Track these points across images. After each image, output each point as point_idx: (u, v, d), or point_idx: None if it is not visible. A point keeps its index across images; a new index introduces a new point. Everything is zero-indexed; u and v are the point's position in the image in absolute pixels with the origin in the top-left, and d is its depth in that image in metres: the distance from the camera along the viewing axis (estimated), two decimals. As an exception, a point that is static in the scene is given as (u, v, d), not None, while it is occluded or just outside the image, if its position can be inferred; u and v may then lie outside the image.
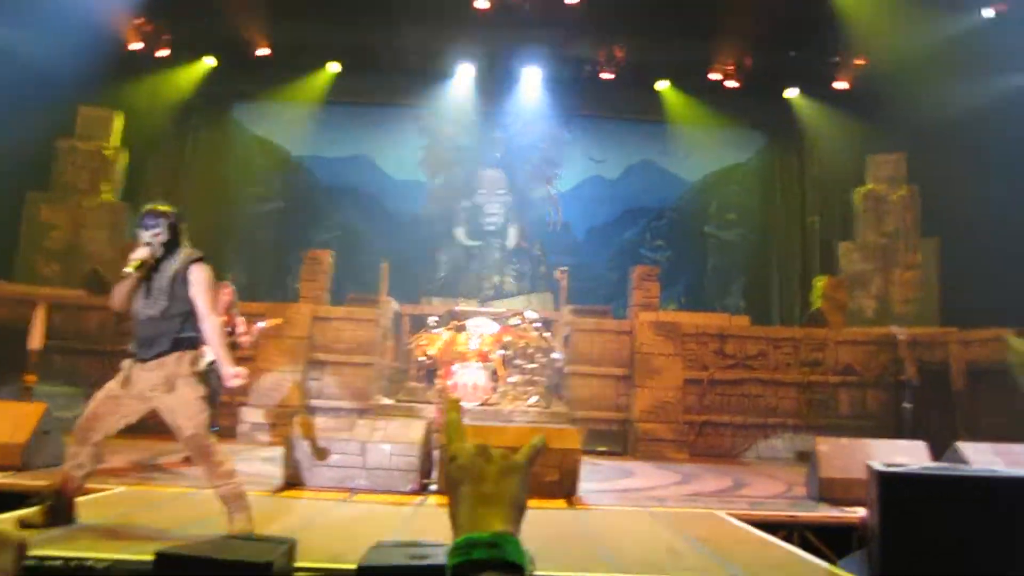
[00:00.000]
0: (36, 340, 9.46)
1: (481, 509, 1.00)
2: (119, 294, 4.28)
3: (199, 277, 4.26)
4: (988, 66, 12.55)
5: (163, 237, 4.27)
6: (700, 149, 16.38)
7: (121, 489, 5.53)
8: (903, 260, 13.69)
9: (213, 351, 4.46)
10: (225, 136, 16.18)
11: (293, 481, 6.07)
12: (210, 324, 4.28)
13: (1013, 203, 11.62)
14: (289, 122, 16.05)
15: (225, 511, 4.16)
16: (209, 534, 3.81)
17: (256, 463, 7.59)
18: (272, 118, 16.09)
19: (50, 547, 3.46)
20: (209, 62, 14.85)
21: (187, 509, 4.94)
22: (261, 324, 7.64)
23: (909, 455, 6.19)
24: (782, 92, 15.41)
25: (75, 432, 4.17)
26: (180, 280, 4.24)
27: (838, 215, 15.53)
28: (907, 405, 7.79)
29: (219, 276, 8.18)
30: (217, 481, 4.17)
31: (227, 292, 7.62)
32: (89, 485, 5.52)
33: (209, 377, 7.21)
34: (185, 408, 4.17)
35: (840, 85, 14.41)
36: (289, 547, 3.06)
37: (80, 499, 4.79)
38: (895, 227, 13.94)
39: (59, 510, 4.09)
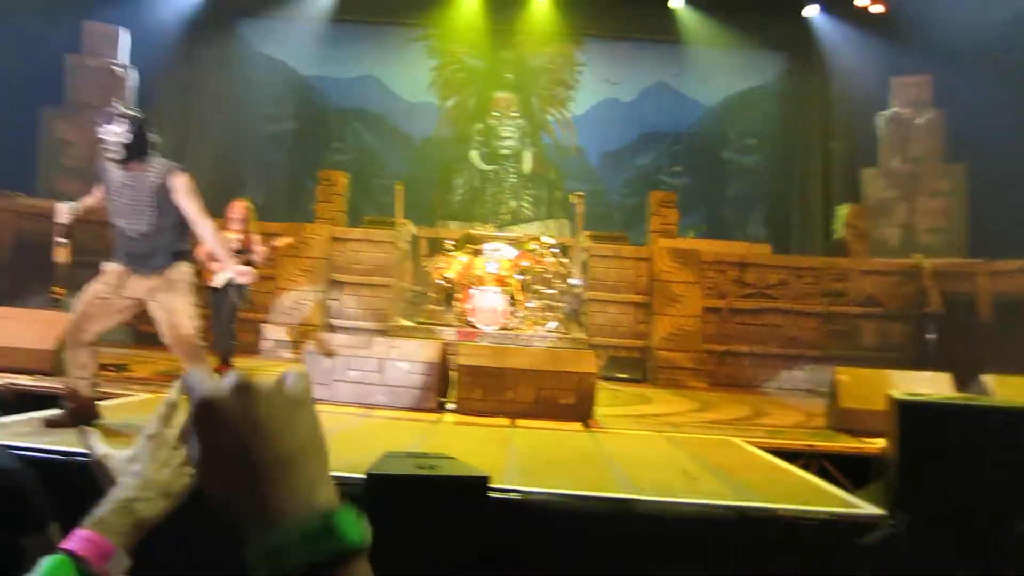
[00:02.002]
0: (61, 255, 9.62)
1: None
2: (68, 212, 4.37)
3: (183, 183, 4.19)
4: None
5: (126, 139, 4.09)
6: (718, 71, 15.87)
7: (145, 396, 5.61)
8: (928, 187, 13.34)
9: (215, 251, 4.49)
10: (233, 54, 15.81)
11: (314, 396, 6.11)
12: (206, 227, 4.26)
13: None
14: (297, 41, 15.68)
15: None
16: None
17: (278, 378, 7.67)
18: (279, 36, 15.69)
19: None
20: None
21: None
22: (274, 243, 7.61)
23: (932, 387, 6.13)
24: (802, 11, 14.78)
25: (68, 337, 4.14)
26: (164, 190, 4.16)
27: (861, 140, 15.11)
28: (931, 337, 7.68)
29: (235, 195, 8.19)
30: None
31: (243, 208, 7.57)
32: (112, 391, 5.63)
33: (228, 293, 7.28)
34: (185, 308, 4.22)
35: (862, 2, 13.79)
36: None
37: (104, 404, 4.86)
38: (920, 153, 13.53)
39: (80, 412, 4.11)
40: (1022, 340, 9.76)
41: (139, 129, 4.14)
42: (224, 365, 7.30)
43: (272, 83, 15.98)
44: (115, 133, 4.07)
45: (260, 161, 15.86)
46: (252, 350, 10.16)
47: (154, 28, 14.13)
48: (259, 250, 7.44)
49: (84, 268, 10.36)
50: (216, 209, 8.11)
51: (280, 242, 7.85)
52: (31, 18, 11.41)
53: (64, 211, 4.62)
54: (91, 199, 4.48)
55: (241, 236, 7.43)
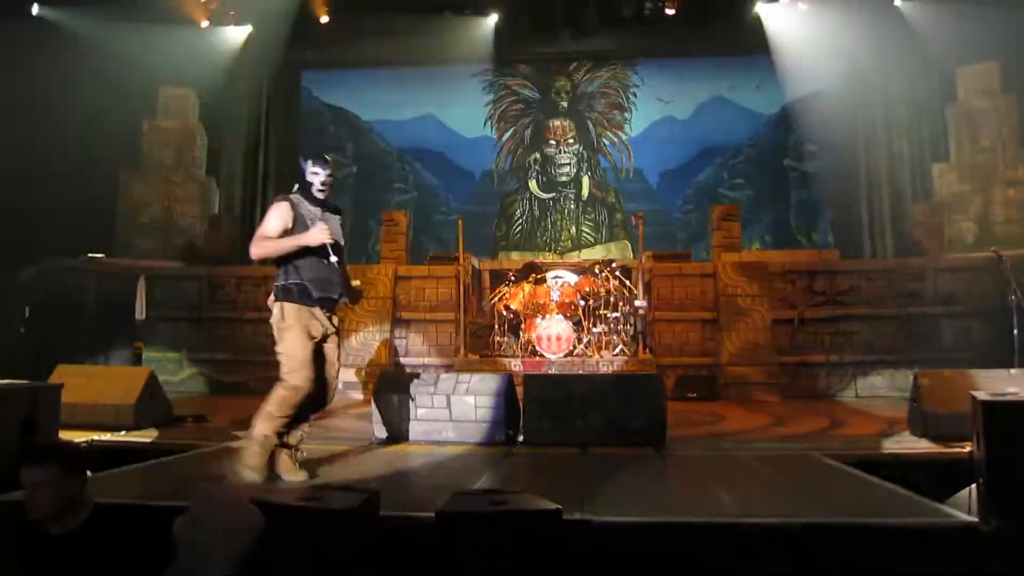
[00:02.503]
0: (141, 310, 10.21)
1: None
2: (272, 253, 4.36)
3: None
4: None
5: (332, 181, 4.61)
6: (773, 80, 15.63)
7: (225, 445, 5.77)
8: (1003, 177, 12.78)
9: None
10: (296, 106, 16.42)
11: (383, 435, 6.22)
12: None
13: None
14: (356, 87, 16.21)
15: (236, 458, 4.30)
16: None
17: (350, 419, 7.85)
18: (339, 85, 16.23)
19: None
20: (275, 30, 14.94)
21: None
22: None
23: (1019, 385, 5.84)
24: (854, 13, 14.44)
25: (285, 402, 4.29)
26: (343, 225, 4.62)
27: (928, 135, 14.61)
28: (1016, 332, 7.33)
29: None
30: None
31: None
32: (194, 441, 5.83)
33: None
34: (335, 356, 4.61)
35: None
36: (373, 497, 3.12)
37: (188, 454, 5.04)
38: (992, 142, 13.01)
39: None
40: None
41: (336, 170, 4.64)
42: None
43: (334, 130, 16.51)
44: (326, 173, 4.48)
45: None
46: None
47: (223, 86, 14.77)
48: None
49: (161, 322, 10.95)
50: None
51: (355, 284, 8.02)
52: (111, 87, 12.17)
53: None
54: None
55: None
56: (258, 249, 4.32)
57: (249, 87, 15.53)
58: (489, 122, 16.34)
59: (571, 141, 15.97)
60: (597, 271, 10.87)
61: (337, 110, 16.48)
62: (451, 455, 5.56)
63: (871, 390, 10.05)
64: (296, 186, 4.58)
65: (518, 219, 15.90)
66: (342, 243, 4.54)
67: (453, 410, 6.09)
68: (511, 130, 16.26)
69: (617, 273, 11.04)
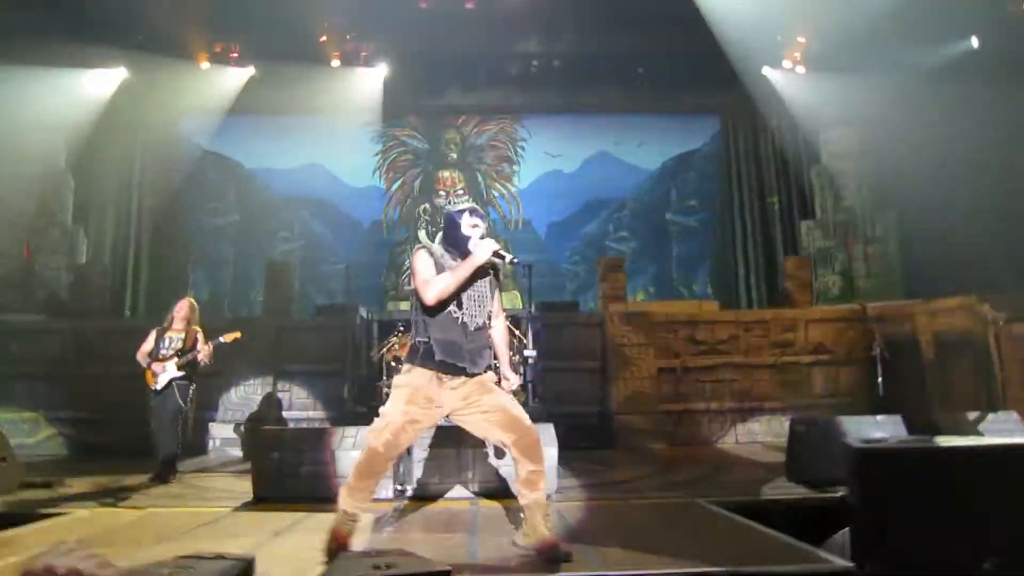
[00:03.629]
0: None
1: None
2: (453, 286, 3.85)
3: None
4: (927, 33, 12.67)
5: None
6: (655, 137, 16.43)
7: (82, 512, 5.33)
8: (863, 234, 13.80)
9: (503, 348, 4.26)
10: (174, 151, 15.78)
11: (263, 494, 5.91)
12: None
13: (964, 169, 11.78)
14: (239, 135, 15.74)
15: (532, 524, 3.85)
16: (167, 556, 3.63)
17: (228, 478, 7.45)
18: (221, 132, 15.72)
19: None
20: (150, 76, 14.44)
21: (147, 531, 4.75)
22: (220, 339, 7.42)
23: (885, 429, 6.19)
24: (732, 74, 15.43)
25: (370, 468, 3.83)
26: (493, 284, 4.07)
27: (796, 193, 15.65)
28: (879, 380, 7.81)
29: (181, 293, 8.07)
30: (541, 484, 3.91)
31: (187, 306, 7.47)
32: (49, 510, 5.35)
33: (172, 394, 7.08)
34: (513, 400, 4.00)
35: (787, 63, 14.46)
36: (246, 565, 2.92)
37: (39, 524, 4.60)
38: (852, 202, 14.05)
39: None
40: (963, 376, 9.99)
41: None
42: (168, 470, 7.04)
43: (215, 177, 15.96)
44: (485, 226, 4.09)
45: (206, 256, 15.71)
46: (199, 451, 9.84)
47: (92, 131, 14.05)
48: (207, 346, 7.29)
49: (20, 380, 10.09)
50: (161, 308, 8.02)
51: (227, 337, 7.65)
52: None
53: None
54: None
55: (184, 334, 7.29)
56: (436, 288, 3.83)
57: (123, 132, 14.87)
58: (378, 172, 16.27)
59: (460, 192, 16.11)
60: (482, 310, 10.86)
61: (218, 157, 15.98)
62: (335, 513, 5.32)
63: (750, 436, 10.42)
64: (438, 238, 4.17)
65: (407, 269, 15.78)
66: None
67: (338, 466, 5.87)
68: (400, 180, 16.25)
69: (507, 323, 11.07)
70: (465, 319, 3.90)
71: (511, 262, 4.04)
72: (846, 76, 12.89)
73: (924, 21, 12.24)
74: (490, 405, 3.87)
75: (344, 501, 3.82)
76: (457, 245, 4.00)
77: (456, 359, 3.83)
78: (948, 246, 11.98)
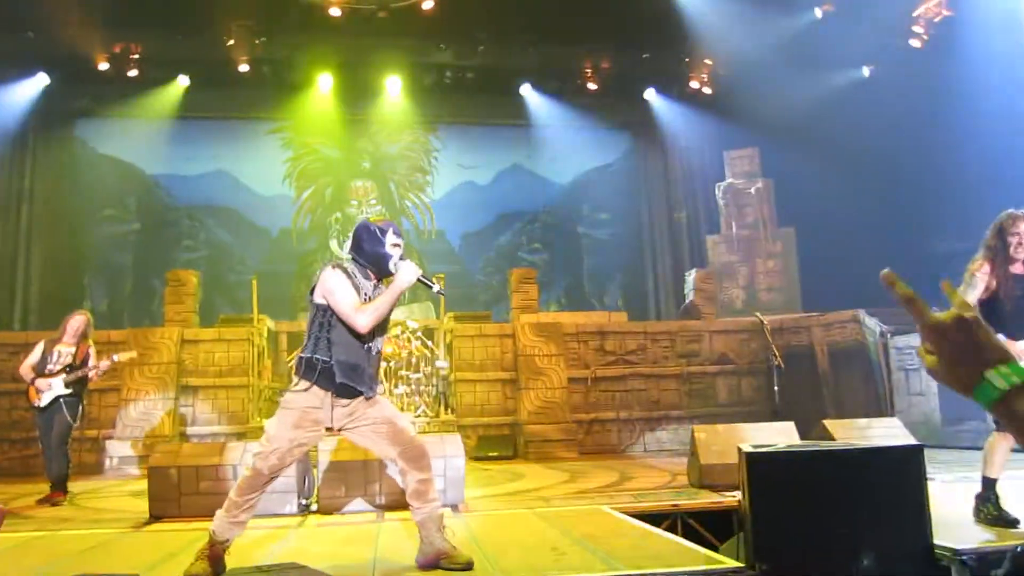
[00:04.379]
0: None
1: None
2: (385, 313, 3.78)
3: None
4: (824, 63, 13.42)
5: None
6: (568, 151, 16.73)
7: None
8: (764, 250, 14.41)
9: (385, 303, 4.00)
10: (69, 157, 15.08)
11: (160, 513, 5.69)
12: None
13: (855, 189, 12.47)
14: (139, 140, 15.15)
15: (426, 537, 3.78)
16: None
17: (124, 498, 7.13)
18: (120, 136, 15.14)
19: None
20: (43, 78, 13.83)
21: (32, 556, 4.50)
22: (115, 357, 7.09)
23: (780, 436, 6.45)
24: (642, 93, 15.92)
25: (250, 486, 3.65)
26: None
27: (703, 209, 16.21)
28: (776, 388, 8.15)
29: (75, 305, 7.68)
30: (432, 495, 3.82)
31: (81, 320, 7.11)
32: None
33: (59, 411, 6.73)
34: (397, 411, 3.90)
35: (693, 85, 15.01)
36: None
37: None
38: (755, 219, 14.66)
39: (219, 561, 3.63)
40: (853, 385, 10.54)
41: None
42: (58, 491, 6.69)
43: (114, 184, 15.30)
44: (402, 244, 3.96)
45: (104, 265, 15.03)
46: (95, 470, 9.40)
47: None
48: (98, 365, 6.95)
49: None
50: (55, 321, 7.61)
51: (122, 356, 7.31)
52: None
53: None
54: None
55: (75, 348, 6.95)
56: (370, 317, 3.71)
57: (11, 134, 14.12)
58: (288, 180, 15.94)
59: (373, 202, 15.97)
60: (399, 332, 10.80)
61: (117, 162, 15.33)
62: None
63: (657, 444, 10.69)
64: (350, 256, 4.00)
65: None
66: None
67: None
68: (311, 188, 15.97)
69: (419, 334, 11.03)
70: (370, 343, 3.83)
71: (438, 293, 4.02)
72: (747, 99, 13.46)
73: (822, 51, 12.94)
74: (376, 417, 3.80)
75: (217, 522, 3.67)
76: (375, 262, 3.90)
77: (357, 383, 3.75)
78: (840, 262, 12.62)
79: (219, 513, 3.69)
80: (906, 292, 1.18)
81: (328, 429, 3.81)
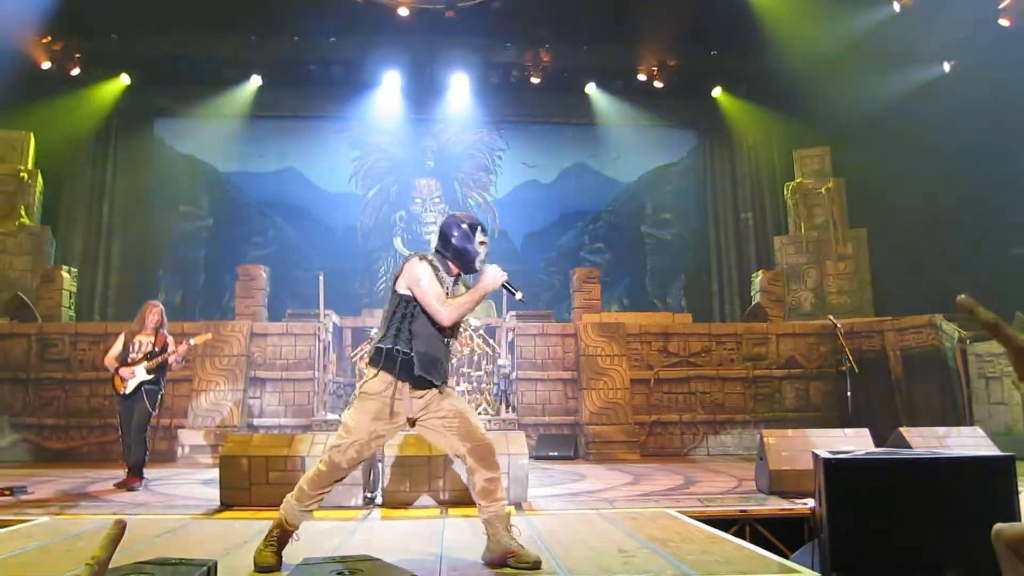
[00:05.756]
0: None
1: None
2: (469, 310, 3.80)
3: None
4: (901, 58, 12.95)
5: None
6: (632, 150, 16.53)
7: (44, 519, 5.20)
8: (834, 252, 14.01)
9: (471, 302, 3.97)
10: (148, 154, 15.61)
11: (231, 501, 5.83)
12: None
13: (931, 190, 12.02)
14: (214, 138, 15.56)
15: (492, 536, 3.76)
16: (127, 563, 3.56)
17: (196, 486, 7.33)
18: (196, 135, 15.59)
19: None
20: (124, 79, 14.35)
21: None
22: (191, 341, 7.33)
23: (854, 443, 6.26)
24: (709, 91, 15.65)
25: (326, 477, 3.69)
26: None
27: (771, 210, 15.84)
28: (848, 394, 7.90)
29: (151, 298, 7.96)
30: (499, 494, 3.78)
31: (155, 309, 7.35)
32: (8, 517, 5.22)
33: (139, 399, 6.96)
34: (470, 407, 3.85)
35: (763, 83, 14.65)
36: (208, 570, 2.87)
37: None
38: (825, 219, 14.26)
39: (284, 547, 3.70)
40: (929, 392, 10.15)
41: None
42: (135, 477, 6.92)
43: (189, 181, 15.77)
44: (487, 241, 3.94)
45: (178, 260, 15.51)
46: (168, 458, 9.70)
47: (64, 131, 13.91)
48: (176, 349, 7.18)
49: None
50: (132, 313, 7.90)
51: (198, 339, 7.59)
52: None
53: None
54: None
55: (153, 338, 7.18)
56: (455, 312, 3.72)
57: (95, 132, 14.69)
58: (354, 178, 16.18)
59: (437, 200, 16.08)
60: (461, 330, 10.84)
61: (192, 160, 15.80)
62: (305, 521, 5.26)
63: (721, 448, 10.49)
64: (435, 250, 4.01)
65: (382, 276, 15.70)
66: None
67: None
68: (376, 187, 16.17)
69: (481, 332, 11.06)
70: (449, 337, 3.85)
71: (521, 300, 3.94)
72: (819, 96, 13.08)
73: (900, 45, 12.50)
74: (448, 411, 3.77)
75: (287, 509, 3.70)
76: (461, 257, 3.89)
77: (434, 376, 3.74)
78: (915, 266, 12.19)
79: (290, 501, 3.73)
80: (988, 317, 1.09)
81: (409, 421, 3.80)
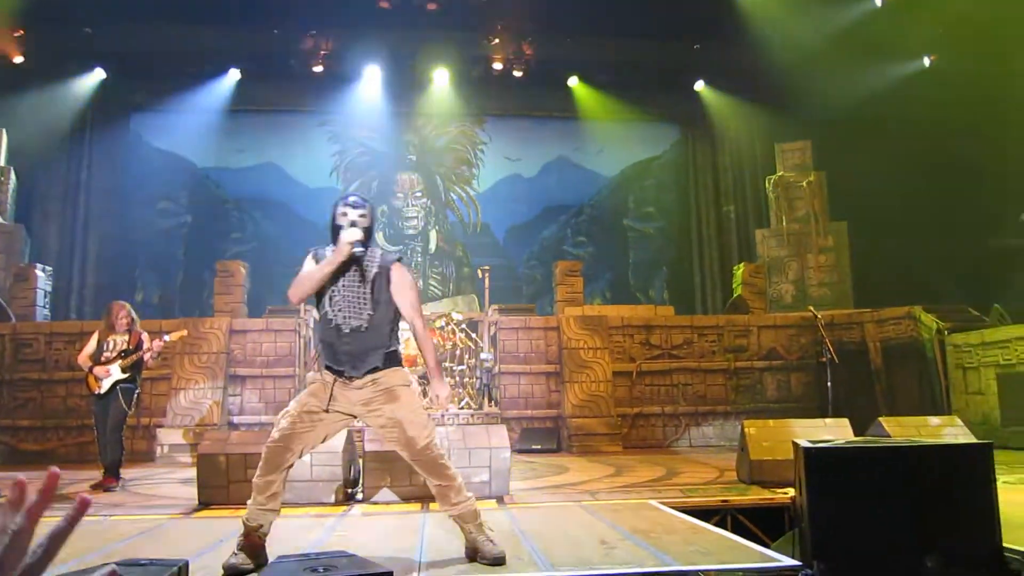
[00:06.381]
0: None
1: None
2: (308, 285, 3.66)
3: (405, 276, 3.77)
4: (882, 53, 13.03)
5: (367, 223, 3.73)
6: (615, 144, 16.55)
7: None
8: (815, 244, 14.07)
9: (425, 356, 3.89)
10: (124, 150, 15.42)
11: (209, 500, 5.76)
12: (420, 325, 3.79)
13: (911, 184, 12.10)
14: (191, 133, 15.39)
15: (463, 533, 3.73)
16: (98, 565, 3.49)
17: (174, 485, 7.24)
18: (173, 130, 15.42)
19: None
20: (100, 73, 14.15)
21: (85, 540, 4.57)
22: (166, 337, 7.21)
23: (834, 433, 6.28)
24: (692, 85, 15.67)
25: (268, 460, 3.59)
26: (383, 282, 3.71)
27: (752, 203, 15.90)
28: (829, 385, 7.94)
29: (127, 296, 7.83)
30: (455, 498, 3.68)
31: (123, 312, 7.17)
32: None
33: (115, 398, 6.85)
34: (415, 416, 3.65)
35: (745, 77, 14.68)
36: (179, 570, 2.81)
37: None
38: (806, 212, 14.32)
39: (253, 551, 3.58)
40: (907, 382, 10.23)
41: (373, 214, 3.84)
42: (111, 477, 6.82)
43: (167, 176, 15.59)
44: (361, 214, 3.71)
45: (156, 256, 15.34)
46: (146, 457, 9.59)
47: (37, 126, 13.69)
48: (151, 347, 7.06)
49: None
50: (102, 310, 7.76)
51: (173, 335, 7.46)
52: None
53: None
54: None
55: (126, 336, 7.06)
56: (291, 288, 3.69)
57: (70, 128, 14.47)
58: (335, 173, 16.07)
59: (419, 195, 16.03)
60: (443, 324, 10.80)
61: (169, 155, 15.62)
62: (283, 518, 5.20)
63: (703, 439, 10.51)
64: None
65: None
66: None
67: (289, 471, 5.72)
68: (357, 182, 16.08)
69: (463, 326, 11.01)
70: (338, 320, 3.66)
71: (349, 243, 3.63)
72: (800, 91, 13.13)
73: (881, 40, 12.57)
74: (388, 419, 3.65)
75: (248, 510, 3.63)
76: (333, 235, 3.75)
77: (333, 362, 3.63)
78: (894, 258, 12.28)
79: (249, 502, 3.68)
80: None
81: (350, 414, 3.72)
